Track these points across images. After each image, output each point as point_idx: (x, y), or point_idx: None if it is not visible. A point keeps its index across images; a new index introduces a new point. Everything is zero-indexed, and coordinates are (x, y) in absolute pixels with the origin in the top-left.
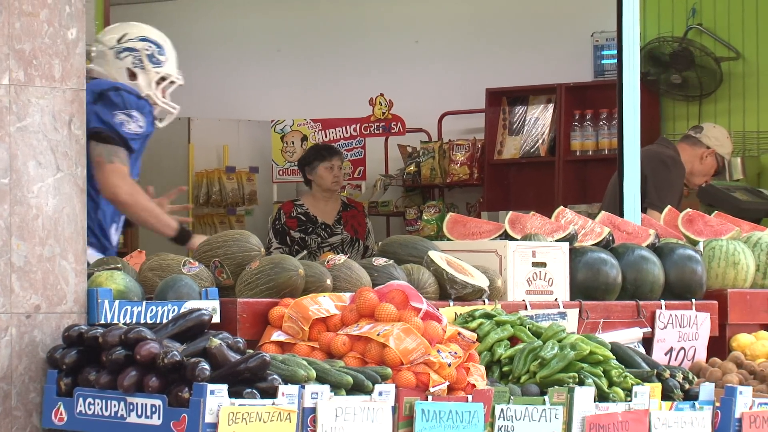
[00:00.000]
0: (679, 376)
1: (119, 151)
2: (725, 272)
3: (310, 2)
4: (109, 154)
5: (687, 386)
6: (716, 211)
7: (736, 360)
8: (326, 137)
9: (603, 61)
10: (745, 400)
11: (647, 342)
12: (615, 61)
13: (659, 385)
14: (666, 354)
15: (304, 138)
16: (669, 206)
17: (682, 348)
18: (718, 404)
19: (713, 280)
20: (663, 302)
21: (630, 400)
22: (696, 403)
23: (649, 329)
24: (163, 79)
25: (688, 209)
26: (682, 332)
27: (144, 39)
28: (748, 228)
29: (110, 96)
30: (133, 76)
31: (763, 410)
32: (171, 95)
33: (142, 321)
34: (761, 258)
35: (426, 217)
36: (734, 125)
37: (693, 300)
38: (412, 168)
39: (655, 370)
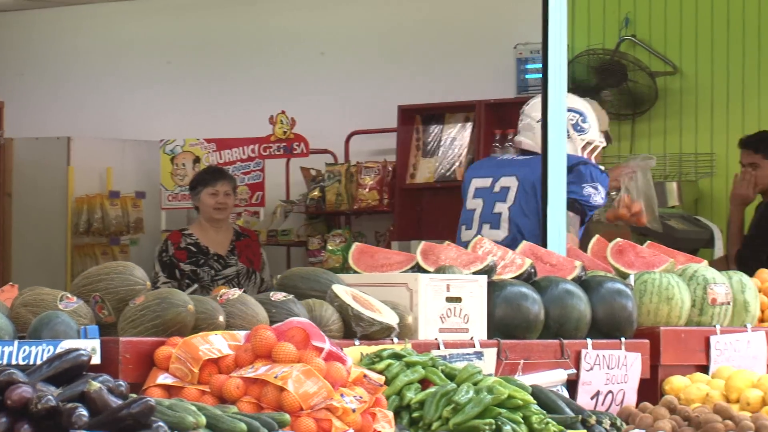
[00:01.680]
0: (606, 423)
1: (576, 220)
2: (658, 308)
3: (204, 10)
4: (568, 223)
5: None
6: (649, 241)
7: (669, 405)
8: (221, 159)
9: (527, 76)
10: None
11: (572, 385)
12: (540, 75)
13: (584, 431)
14: (592, 398)
15: (197, 160)
16: (597, 235)
17: (610, 391)
18: None
19: (645, 316)
20: (589, 341)
21: None
22: None
23: (574, 371)
24: (588, 144)
25: (618, 239)
26: (610, 374)
27: (569, 110)
28: (683, 260)
29: (581, 169)
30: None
31: None
32: None
33: (14, 362)
34: (697, 293)
35: (330, 248)
36: (670, 147)
37: (622, 339)
38: (315, 193)
39: (580, 416)
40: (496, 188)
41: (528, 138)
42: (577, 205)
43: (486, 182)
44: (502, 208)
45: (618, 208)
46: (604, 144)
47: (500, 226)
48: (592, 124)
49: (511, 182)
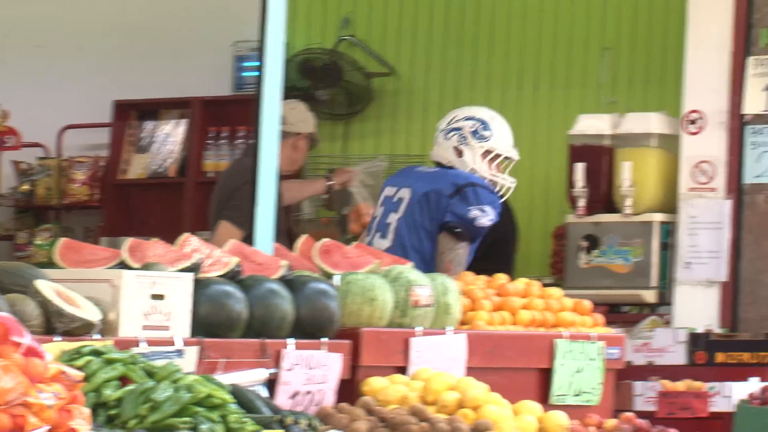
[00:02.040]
0: (304, 423)
1: (462, 247)
2: (361, 309)
3: None
4: (450, 250)
5: None
6: (356, 243)
7: (366, 406)
8: None
9: (244, 74)
10: None
11: (273, 384)
12: (257, 73)
13: (282, 431)
14: (291, 398)
15: None
16: (305, 235)
17: (309, 391)
18: None
19: (348, 317)
20: (291, 341)
21: None
22: None
23: (275, 370)
24: (488, 152)
25: (325, 239)
26: (310, 374)
27: (469, 118)
28: (389, 261)
29: (467, 192)
30: (460, 153)
31: None
32: None
33: None
34: (400, 294)
35: (38, 242)
36: (383, 148)
37: (324, 339)
38: (25, 187)
39: (278, 416)
40: (395, 198)
41: (435, 149)
42: (461, 228)
43: (392, 191)
44: (393, 218)
45: (353, 221)
46: (514, 157)
47: (387, 236)
48: (497, 132)
49: (406, 194)
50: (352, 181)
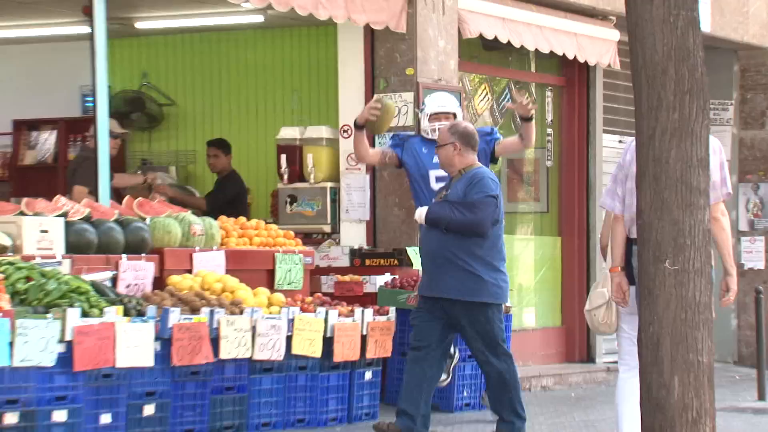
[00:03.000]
0: (134, 301)
1: None
2: (163, 237)
3: None
4: None
5: (140, 308)
6: (159, 199)
7: (170, 291)
8: None
9: (87, 104)
10: (175, 315)
11: (115, 281)
12: (92, 104)
13: (122, 307)
14: (126, 287)
15: None
16: (128, 196)
17: (137, 284)
18: (158, 318)
19: (156, 242)
20: (125, 255)
21: (102, 316)
22: (145, 318)
23: (116, 272)
24: (429, 115)
25: (140, 198)
26: (136, 274)
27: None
28: (177, 210)
29: None
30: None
31: (185, 322)
32: None
33: None
34: (185, 228)
35: None
36: (170, 147)
37: (143, 254)
38: None
39: (119, 298)
40: None
41: None
42: None
43: None
44: None
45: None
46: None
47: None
48: (427, 103)
49: None
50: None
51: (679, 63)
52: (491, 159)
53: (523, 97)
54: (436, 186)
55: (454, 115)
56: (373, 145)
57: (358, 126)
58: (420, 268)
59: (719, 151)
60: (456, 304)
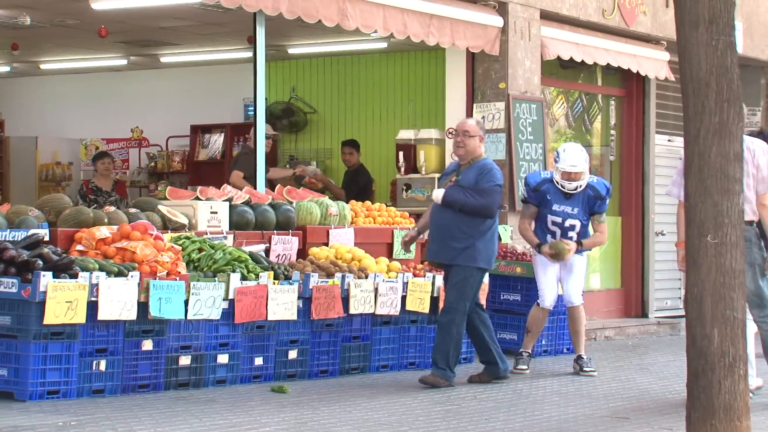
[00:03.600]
0: (283, 268)
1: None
2: (306, 217)
3: None
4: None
5: (287, 273)
6: (302, 187)
7: (311, 260)
8: None
9: (249, 111)
10: (314, 279)
11: (268, 252)
12: (252, 112)
13: (272, 272)
14: (276, 257)
15: None
16: (279, 185)
17: (285, 254)
18: (301, 281)
19: (301, 221)
20: (276, 232)
21: (257, 280)
22: (291, 281)
23: (268, 245)
24: (561, 171)
25: (288, 186)
26: (285, 246)
27: (559, 148)
28: (317, 196)
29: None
30: (555, 168)
31: (322, 284)
32: None
33: (7, 239)
34: (323, 210)
35: (159, 188)
36: (313, 146)
37: (290, 230)
38: (152, 164)
39: (271, 265)
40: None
41: None
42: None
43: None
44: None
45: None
46: (567, 169)
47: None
48: (562, 159)
49: None
50: (305, 172)
51: (720, 77)
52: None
53: (549, 250)
54: (552, 227)
55: (582, 173)
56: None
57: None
58: (472, 240)
59: (766, 151)
60: (456, 267)
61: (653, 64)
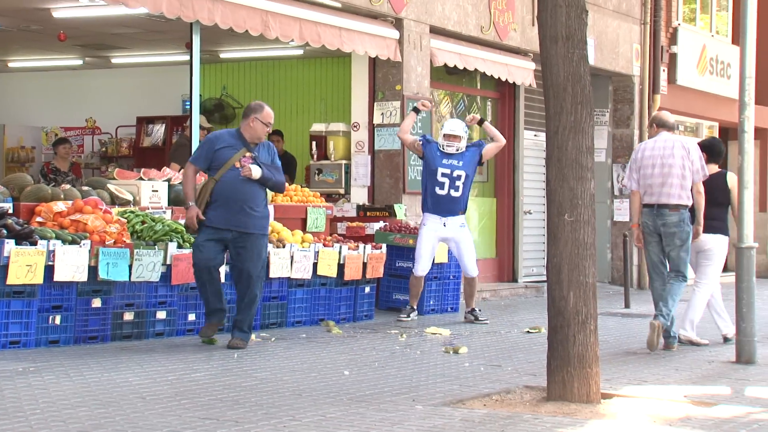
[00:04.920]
0: None
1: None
2: None
3: None
4: None
5: None
6: None
7: None
8: None
9: (186, 105)
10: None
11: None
12: (189, 106)
13: None
14: None
15: None
16: None
17: None
18: None
19: None
20: None
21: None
22: None
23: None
24: (444, 135)
25: None
26: None
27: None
28: None
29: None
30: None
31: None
32: None
33: None
34: None
35: (109, 169)
36: None
37: None
38: (103, 149)
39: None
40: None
41: None
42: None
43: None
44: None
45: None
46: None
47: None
48: (446, 126)
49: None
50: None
51: (575, 84)
52: (479, 162)
53: (470, 116)
54: (441, 178)
55: (460, 138)
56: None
57: (415, 110)
58: (267, 210)
59: (697, 149)
60: (251, 236)
61: (521, 72)
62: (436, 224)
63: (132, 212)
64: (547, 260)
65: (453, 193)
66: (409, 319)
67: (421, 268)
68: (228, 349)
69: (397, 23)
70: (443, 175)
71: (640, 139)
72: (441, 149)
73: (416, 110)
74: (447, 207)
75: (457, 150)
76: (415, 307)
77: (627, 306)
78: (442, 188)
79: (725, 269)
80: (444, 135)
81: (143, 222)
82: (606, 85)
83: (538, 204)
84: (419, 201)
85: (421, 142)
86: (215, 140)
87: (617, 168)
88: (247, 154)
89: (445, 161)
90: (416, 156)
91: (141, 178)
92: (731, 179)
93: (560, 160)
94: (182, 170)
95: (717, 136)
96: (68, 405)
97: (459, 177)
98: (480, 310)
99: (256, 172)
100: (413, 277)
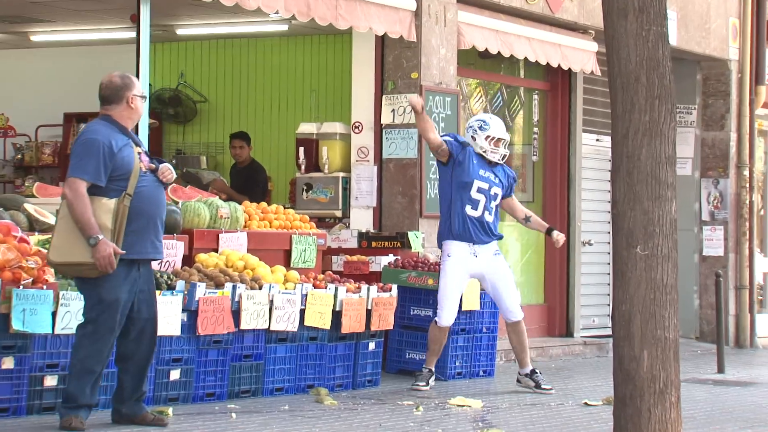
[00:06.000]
0: (165, 277)
1: None
2: (193, 219)
3: None
4: None
5: (170, 282)
6: (189, 186)
7: (197, 268)
8: None
9: None
10: (201, 290)
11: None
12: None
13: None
14: (159, 264)
15: None
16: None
17: (168, 261)
18: (186, 292)
19: (187, 223)
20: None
21: None
22: (174, 291)
23: None
24: (488, 137)
25: (174, 184)
26: (169, 252)
27: (477, 119)
28: (206, 195)
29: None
30: (474, 139)
31: (210, 296)
32: None
33: None
34: (213, 212)
35: (26, 185)
36: (203, 139)
37: (174, 234)
38: (19, 156)
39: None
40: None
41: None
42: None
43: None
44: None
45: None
46: (499, 135)
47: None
48: (492, 125)
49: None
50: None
51: (650, 71)
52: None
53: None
54: (476, 195)
55: (504, 142)
56: None
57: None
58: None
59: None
60: (149, 264)
61: (580, 55)
62: (464, 255)
63: None
64: (613, 308)
65: (487, 217)
66: (427, 387)
67: (447, 316)
68: (147, 427)
69: None
70: (480, 191)
71: (739, 145)
72: (482, 154)
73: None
74: (479, 234)
75: (502, 159)
76: (434, 371)
77: (721, 370)
78: (475, 208)
79: None
80: (487, 137)
81: None
82: (693, 74)
83: (600, 232)
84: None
85: (450, 144)
86: (108, 141)
87: (708, 184)
88: (139, 149)
89: (482, 173)
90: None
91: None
92: None
93: (631, 173)
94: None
95: None
96: None
97: (495, 196)
98: (541, 373)
99: (173, 172)
100: (435, 329)
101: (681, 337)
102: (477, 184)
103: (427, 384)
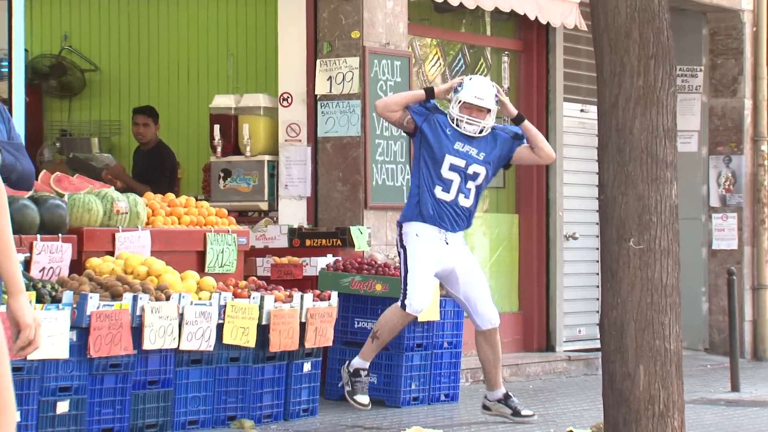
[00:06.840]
0: (49, 287)
1: None
2: (82, 215)
3: None
4: None
5: (55, 294)
6: (78, 174)
7: (89, 275)
8: None
9: (3, 69)
10: (94, 302)
11: (28, 264)
12: (7, 70)
13: (35, 292)
14: (40, 271)
15: None
16: (45, 170)
17: (52, 267)
18: (75, 305)
19: (75, 221)
20: (39, 236)
21: None
22: (60, 305)
23: (29, 255)
24: (461, 102)
25: (58, 173)
26: (52, 257)
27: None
28: (99, 186)
29: None
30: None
31: (105, 309)
32: None
33: None
34: (107, 206)
35: None
36: (93, 116)
37: (60, 234)
38: None
39: (32, 283)
40: None
41: None
42: None
43: None
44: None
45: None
46: (474, 102)
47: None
48: (467, 87)
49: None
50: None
51: (644, 25)
52: (506, 163)
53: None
54: (447, 173)
55: (489, 112)
56: None
57: (429, 92)
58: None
59: None
60: None
61: (559, 6)
62: (434, 239)
63: None
64: (602, 314)
65: (462, 201)
66: (368, 404)
67: (419, 299)
68: None
69: None
70: (453, 168)
71: (755, 114)
72: (454, 125)
73: (430, 93)
74: (451, 220)
75: (482, 132)
76: (368, 371)
77: (735, 388)
78: (446, 189)
79: None
80: (463, 103)
81: None
82: (698, 28)
83: (587, 223)
84: (390, 219)
85: (414, 112)
86: None
87: (717, 162)
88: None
89: (459, 146)
90: (393, 141)
91: None
92: None
93: (622, 150)
94: None
95: None
96: None
97: (475, 176)
98: (515, 397)
99: None
100: (397, 313)
101: (686, 349)
102: (449, 160)
103: (368, 400)
